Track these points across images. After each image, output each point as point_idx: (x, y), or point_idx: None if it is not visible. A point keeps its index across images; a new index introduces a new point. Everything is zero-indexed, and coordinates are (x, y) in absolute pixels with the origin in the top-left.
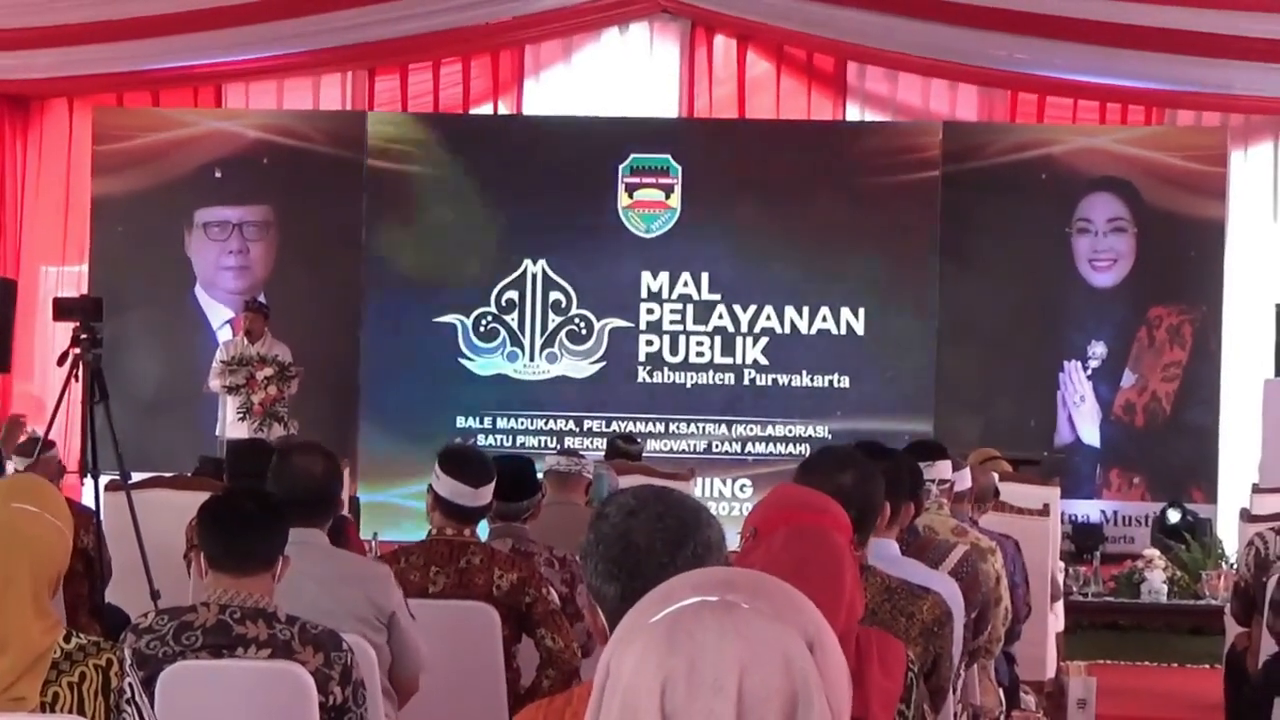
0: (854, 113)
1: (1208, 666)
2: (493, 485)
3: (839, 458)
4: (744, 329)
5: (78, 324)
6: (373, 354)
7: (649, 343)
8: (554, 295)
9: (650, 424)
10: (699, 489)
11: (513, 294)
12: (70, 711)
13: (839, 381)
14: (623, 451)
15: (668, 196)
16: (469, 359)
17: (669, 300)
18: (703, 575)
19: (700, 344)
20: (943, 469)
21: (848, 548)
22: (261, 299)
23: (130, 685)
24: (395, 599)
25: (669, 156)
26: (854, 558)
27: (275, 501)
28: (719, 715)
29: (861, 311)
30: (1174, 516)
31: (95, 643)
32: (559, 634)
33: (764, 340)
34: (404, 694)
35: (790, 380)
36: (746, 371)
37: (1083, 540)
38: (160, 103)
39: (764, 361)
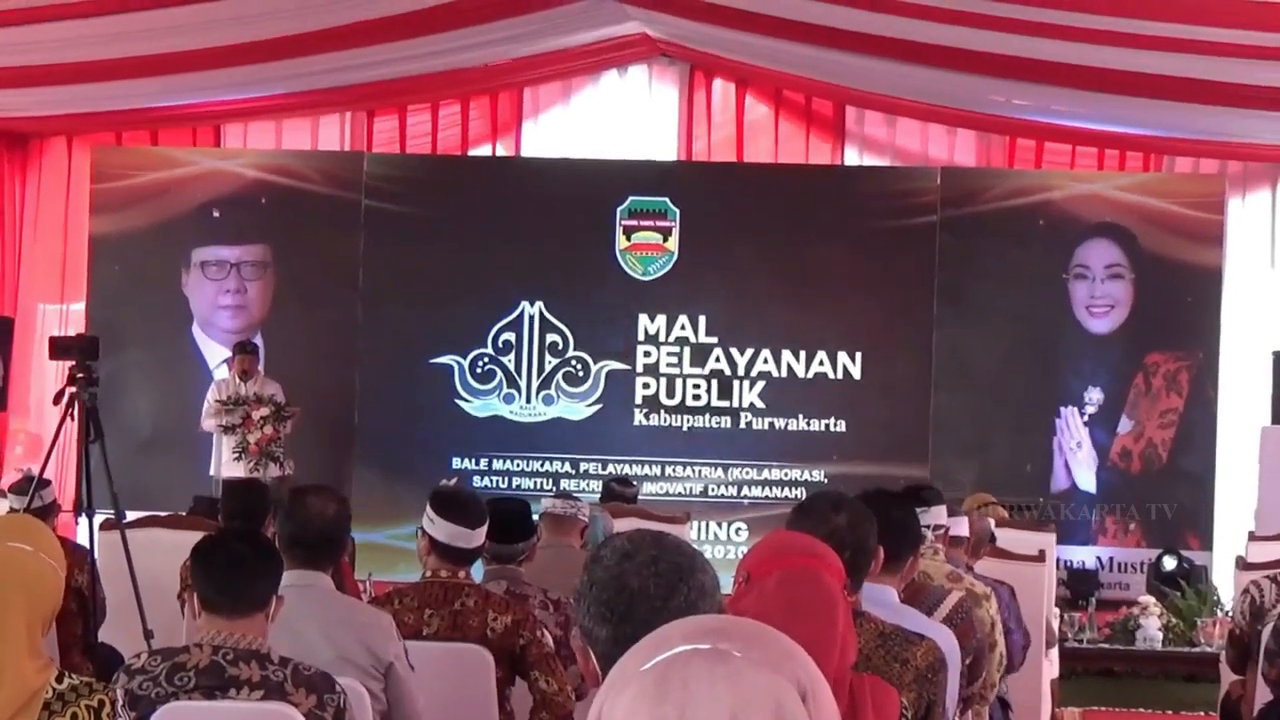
0: (852, 157)
1: (1203, 714)
2: (485, 526)
3: (833, 500)
4: (741, 372)
5: (74, 363)
6: (369, 394)
7: (646, 385)
8: (551, 337)
9: (646, 467)
10: (695, 532)
11: (509, 335)
12: None
13: (835, 425)
14: (618, 494)
15: (665, 239)
16: (465, 400)
17: (666, 343)
18: (695, 623)
19: (697, 387)
20: (938, 514)
21: (840, 592)
22: (256, 339)
23: None
24: (394, 649)
25: (667, 199)
26: (847, 602)
27: (268, 543)
28: None
29: (858, 355)
30: (1170, 563)
31: (88, 683)
32: (553, 677)
33: (761, 384)
34: None
35: (787, 424)
36: (743, 415)
37: (1078, 586)
38: (159, 142)
39: (760, 405)
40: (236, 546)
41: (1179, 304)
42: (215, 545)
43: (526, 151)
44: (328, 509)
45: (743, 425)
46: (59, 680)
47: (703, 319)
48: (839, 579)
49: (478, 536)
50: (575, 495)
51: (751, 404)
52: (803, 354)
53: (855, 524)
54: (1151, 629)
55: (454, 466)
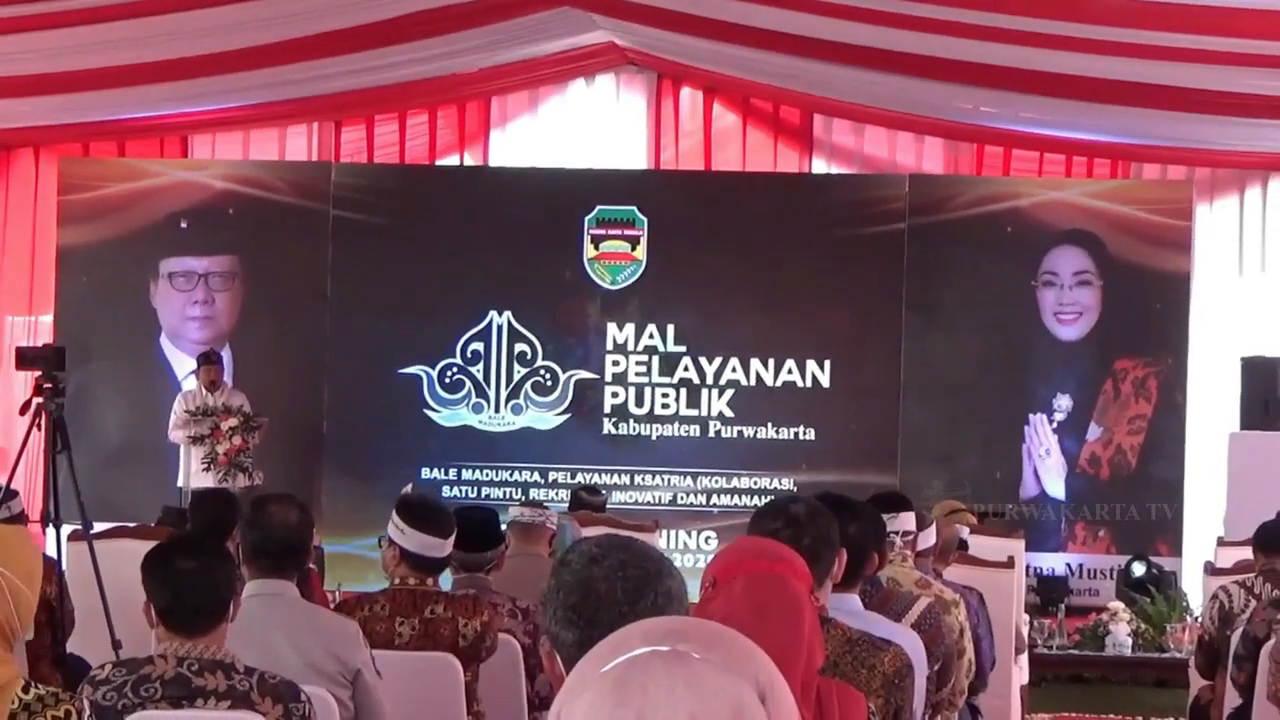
0: (820, 165)
1: (1172, 719)
2: (453, 536)
3: (788, 496)
4: (709, 381)
5: (40, 373)
6: (337, 404)
7: (614, 394)
8: (519, 347)
9: (615, 475)
10: (663, 541)
11: (478, 345)
12: None
13: (804, 434)
14: (586, 503)
15: (634, 248)
16: (434, 410)
17: (635, 352)
18: (654, 625)
19: (666, 396)
20: (906, 520)
21: (807, 596)
22: (223, 351)
23: None
24: (362, 657)
25: (635, 208)
26: (813, 606)
27: (217, 548)
28: None
29: (827, 364)
30: (1139, 569)
31: (54, 694)
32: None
33: (729, 392)
34: None
35: (755, 432)
36: (712, 424)
37: (1047, 593)
38: (126, 153)
39: (729, 414)
40: (185, 564)
41: (1147, 310)
42: (165, 559)
43: (494, 161)
44: (290, 517)
45: (711, 434)
46: (25, 691)
47: (671, 328)
48: (805, 583)
49: (448, 546)
50: (544, 504)
51: (720, 413)
52: (771, 362)
53: (811, 514)
54: (1121, 635)
55: (423, 476)
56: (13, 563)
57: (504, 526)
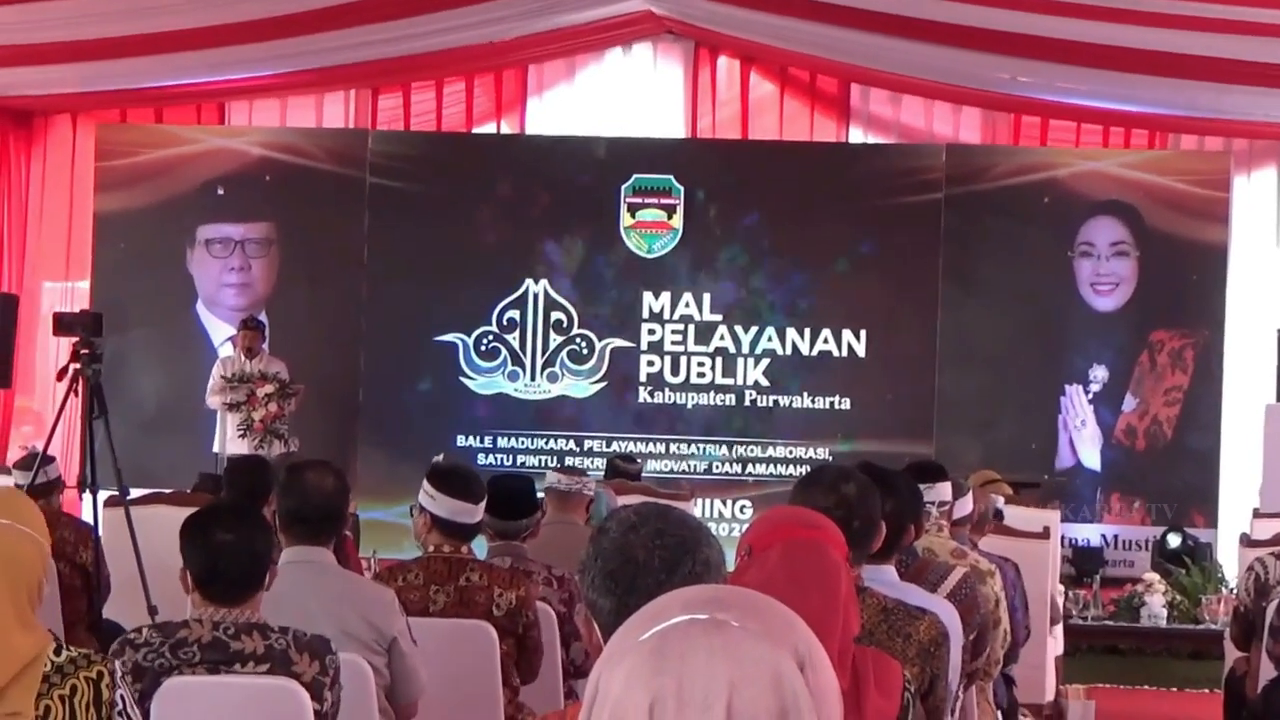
0: (857, 135)
1: (1207, 691)
2: (484, 501)
3: (841, 471)
4: (745, 350)
5: (78, 339)
6: (373, 372)
7: (650, 363)
8: (555, 315)
9: (650, 444)
10: (698, 509)
11: (514, 313)
12: None
13: (840, 403)
14: (622, 471)
15: (670, 217)
16: (469, 378)
17: (670, 321)
18: (693, 593)
19: (701, 365)
20: (943, 490)
21: (843, 563)
22: (261, 316)
23: (122, 697)
24: (398, 625)
25: (672, 177)
26: (850, 574)
27: (256, 518)
28: None
29: (863, 333)
30: (1174, 541)
31: (85, 655)
32: (531, 666)
33: (765, 361)
34: (402, 718)
35: (791, 401)
36: (747, 392)
37: (1083, 564)
38: (163, 119)
39: (765, 383)
40: (224, 533)
41: (1184, 282)
42: (203, 528)
43: (531, 129)
44: (326, 483)
45: (747, 403)
46: (57, 653)
47: (707, 296)
48: (841, 551)
49: (479, 512)
50: (582, 470)
51: (756, 381)
52: (807, 332)
53: (863, 495)
54: (1156, 606)
55: (458, 444)
56: (24, 521)
57: (540, 494)
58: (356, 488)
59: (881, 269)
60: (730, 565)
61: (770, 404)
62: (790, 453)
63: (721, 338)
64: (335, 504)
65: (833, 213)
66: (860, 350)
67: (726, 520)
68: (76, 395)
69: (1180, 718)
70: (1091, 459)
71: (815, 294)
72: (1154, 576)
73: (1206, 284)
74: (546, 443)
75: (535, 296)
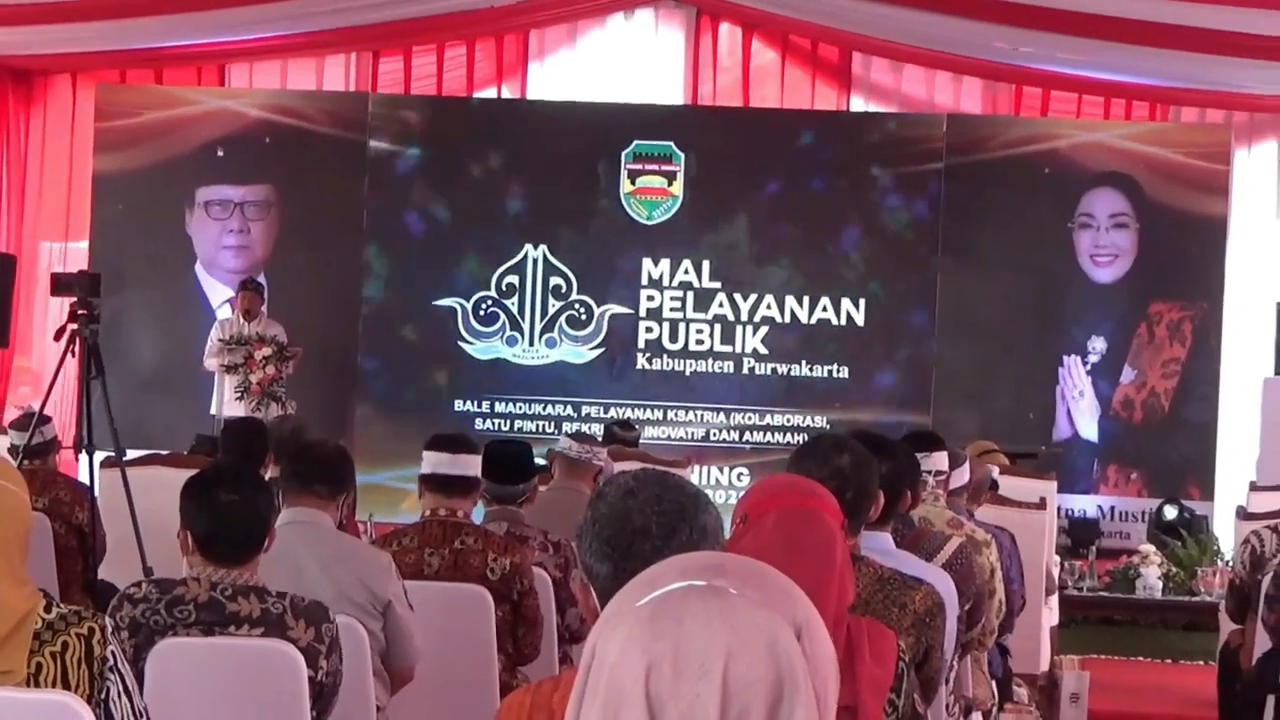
0: (858, 103)
1: (1201, 663)
2: (475, 457)
3: (836, 442)
4: (744, 317)
5: (75, 300)
6: (371, 335)
7: (648, 330)
8: (554, 280)
9: (648, 411)
10: (696, 477)
11: (513, 279)
12: (55, 680)
13: (838, 372)
14: (619, 438)
15: (670, 183)
16: (468, 342)
17: (669, 287)
18: (690, 559)
19: (700, 332)
20: (939, 460)
21: (839, 531)
22: (260, 279)
23: (113, 653)
24: (393, 589)
25: (672, 144)
26: (845, 542)
27: (258, 481)
28: (703, 700)
29: (862, 302)
30: (1170, 513)
31: (76, 612)
32: (532, 633)
33: (764, 329)
34: (398, 681)
35: (789, 370)
36: (745, 360)
37: (1079, 535)
38: (163, 80)
39: (763, 350)
40: (227, 495)
41: (1183, 254)
42: (207, 489)
43: (532, 94)
44: (330, 444)
45: (745, 370)
46: (48, 610)
47: (706, 264)
48: (836, 519)
49: (460, 464)
50: (594, 439)
51: (754, 349)
52: (806, 300)
53: (858, 465)
54: (1151, 578)
55: (456, 409)
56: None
57: (539, 460)
58: (354, 451)
59: (881, 238)
60: (728, 533)
61: (768, 372)
62: (788, 421)
63: (720, 305)
64: (340, 466)
65: (833, 181)
66: (859, 319)
67: (724, 488)
68: (74, 356)
69: (1174, 689)
70: (1089, 430)
71: (814, 262)
72: (1150, 548)
73: (1206, 256)
74: (544, 408)
75: (534, 262)
